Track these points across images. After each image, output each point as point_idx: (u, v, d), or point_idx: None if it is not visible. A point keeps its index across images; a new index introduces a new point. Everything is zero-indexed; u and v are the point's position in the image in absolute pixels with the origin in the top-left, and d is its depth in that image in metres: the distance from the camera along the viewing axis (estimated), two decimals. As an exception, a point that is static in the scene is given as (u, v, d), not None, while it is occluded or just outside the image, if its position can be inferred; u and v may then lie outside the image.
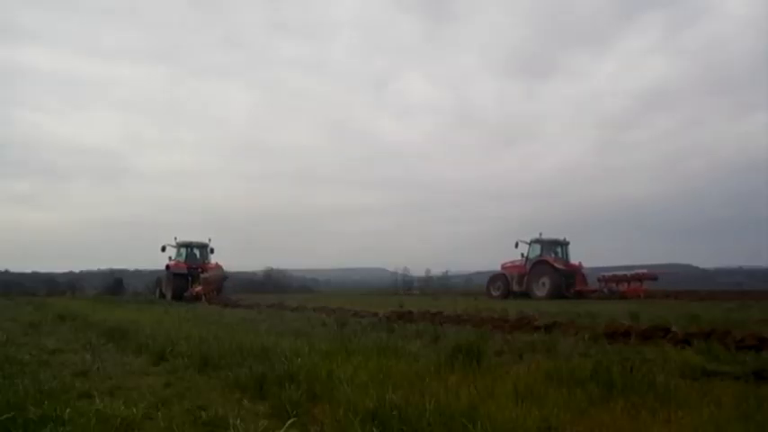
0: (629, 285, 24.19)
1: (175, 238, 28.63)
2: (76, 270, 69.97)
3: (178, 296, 25.92)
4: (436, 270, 66.99)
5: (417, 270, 66.83)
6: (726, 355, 5.29)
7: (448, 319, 9.94)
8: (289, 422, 3.11)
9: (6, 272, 62.34)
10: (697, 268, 77.21)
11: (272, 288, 47.64)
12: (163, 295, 27.91)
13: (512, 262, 27.70)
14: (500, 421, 2.85)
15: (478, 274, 59.95)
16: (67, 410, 3.24)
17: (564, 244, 27.19)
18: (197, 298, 24.45)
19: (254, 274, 58.82)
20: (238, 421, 3.11)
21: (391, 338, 6.68)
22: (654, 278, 24.73)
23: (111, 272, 61.40)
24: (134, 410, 3.39)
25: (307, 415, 3.38)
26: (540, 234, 27.01)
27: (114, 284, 51.01)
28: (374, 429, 2.88)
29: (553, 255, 26.51)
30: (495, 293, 27.08)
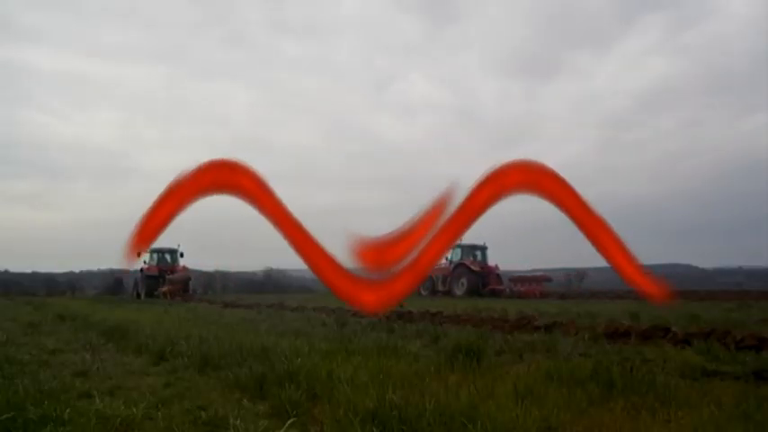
0: (530, 285, 27.08)
1: None
2: (76, 270, 69.49)
3: (150, 294, 29.48)
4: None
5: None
6: (726, 355, 5.29)
7: (448, 319, 9.94)
8: (289, 422, 3.12)
9: (6, 272, 61.92)
10: (697, 268, 76.90)
11: (272, 288, 47.47)
12: (138, 294, 31.62)
13: (438, 265, 29.67)
14: (500, 421, 2.86)
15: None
16: (67, 410, 3.25)
17: (482, 248, 29.79)
18: (165, 296, 27.45)
19: (254, 274, 58.62)
20: (238, 421, 3.12)
21: (391, 338, 6.69)
22: (548, 280, 27.72)
23: (111, 272, 61.08)
24: (134, 410, 3.39)
25: (307, 415, 3.38)
26: (461, 240, 28.57)
27: (114, 284, 50.73)
28: (374, 429, 2.88)
29: (472, 258, 29.08)
30: (423, 293, 29.42)
